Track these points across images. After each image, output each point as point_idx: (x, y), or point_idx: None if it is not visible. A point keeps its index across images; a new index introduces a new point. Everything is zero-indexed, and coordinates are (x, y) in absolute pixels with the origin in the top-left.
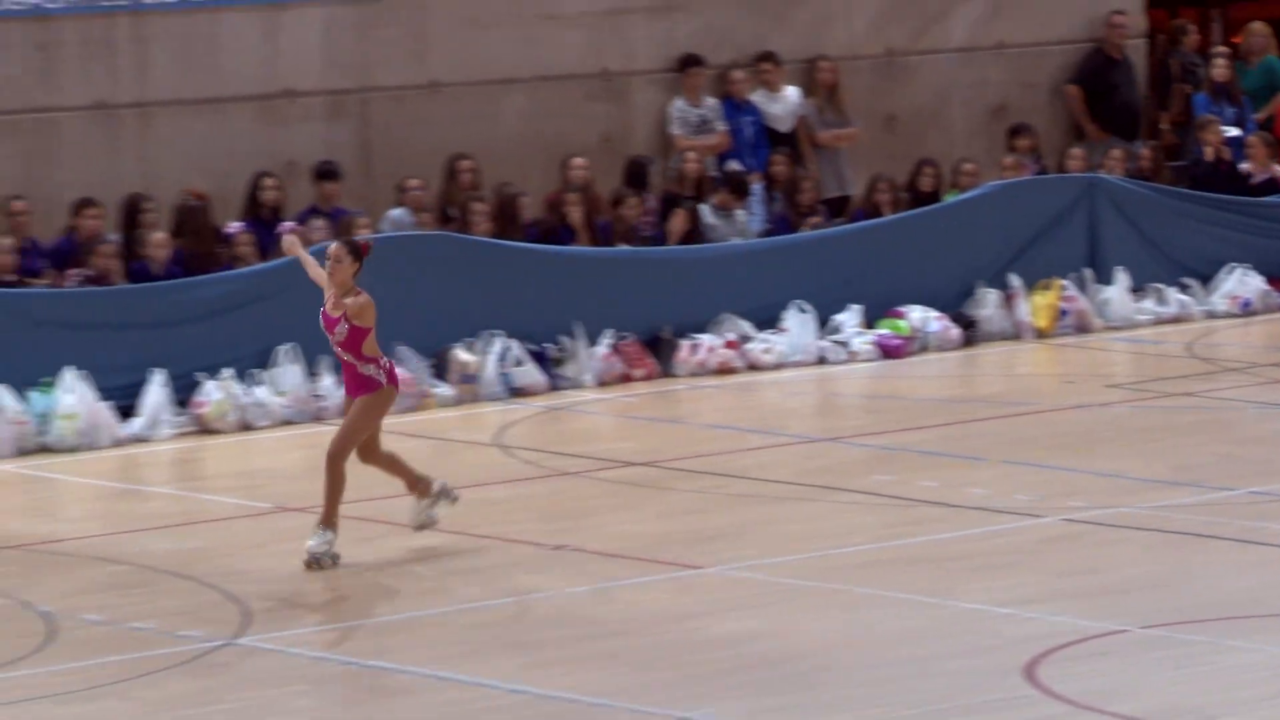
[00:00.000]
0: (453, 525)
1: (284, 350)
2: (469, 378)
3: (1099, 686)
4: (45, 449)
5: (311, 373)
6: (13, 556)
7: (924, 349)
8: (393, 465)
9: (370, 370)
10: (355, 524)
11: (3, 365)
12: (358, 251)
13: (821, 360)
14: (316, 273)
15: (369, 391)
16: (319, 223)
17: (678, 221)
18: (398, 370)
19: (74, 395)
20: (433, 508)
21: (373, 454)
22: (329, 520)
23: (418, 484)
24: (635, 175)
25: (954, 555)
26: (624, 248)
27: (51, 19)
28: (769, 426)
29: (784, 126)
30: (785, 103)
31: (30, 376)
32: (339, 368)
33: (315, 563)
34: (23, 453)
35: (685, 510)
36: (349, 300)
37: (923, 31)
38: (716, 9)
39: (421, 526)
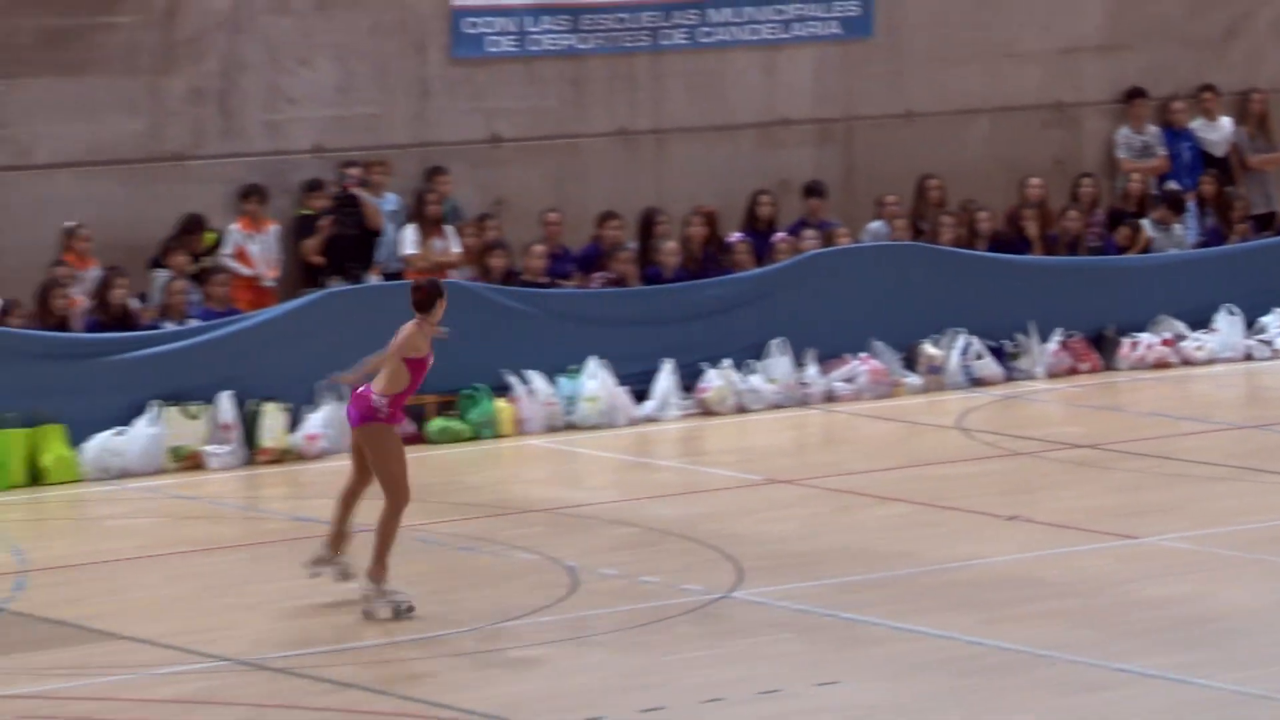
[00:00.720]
0: (920, 497)
1: (775, 343)
2: (935, 369)
3: None
4: (571, 427)
5: (799, 363)
6: (542, 519)
7: None
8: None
9: None
10: (834, 495)
11: (536, 354)
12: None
13: (1248, 357)
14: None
15: None
16: (809, 233)
17: (1140, 235)
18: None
19: (596, 381)
20: (324, 564)
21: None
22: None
23: (339, 542)
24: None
25: None
26: (1075, 257)
27: (582, 58)
28: (1200, 415)
29: (1218, 151)
30: (1220, 130)
31: (559, 364)
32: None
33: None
34: (552, 430)
35: (1124, 487)
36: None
37: None
38: (1160, 47)
39: (316, 563)
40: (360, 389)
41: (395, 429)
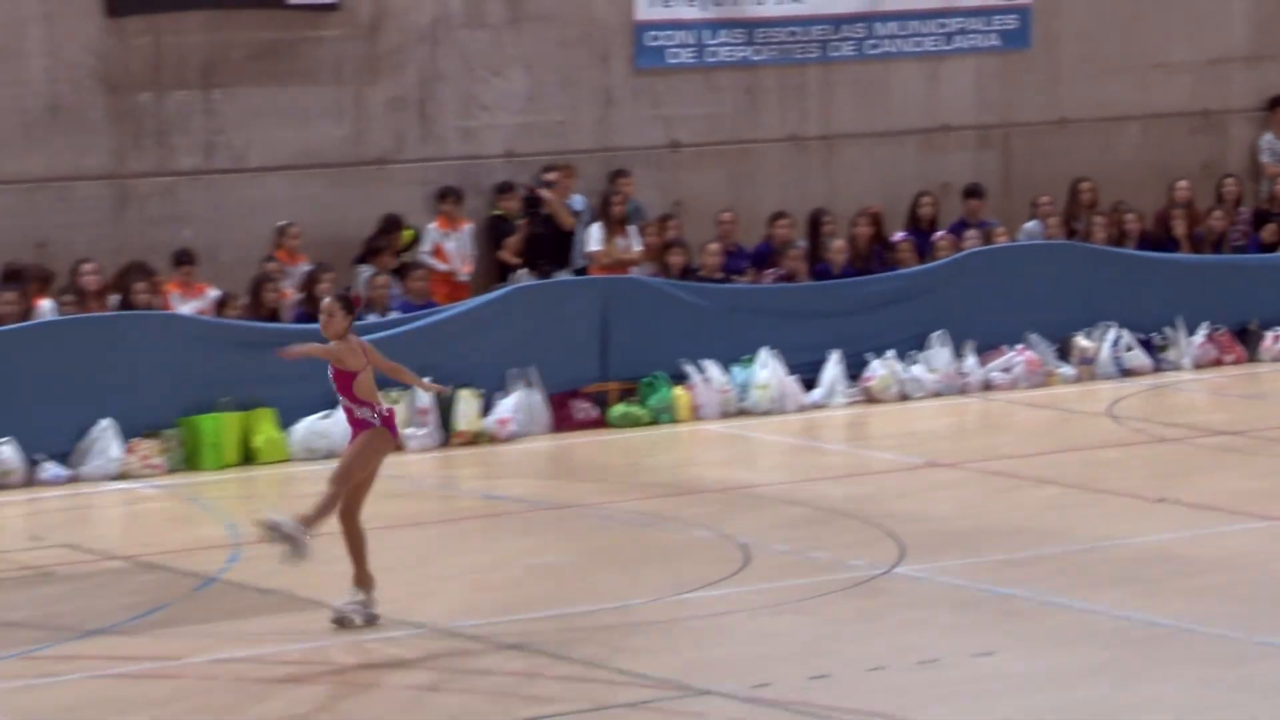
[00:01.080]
0: (1072, 480)
1: (936, 335)
2: (1087, 360)
3: None
4: (743, 412)
5: (959, 354)
6: (717, 498)
7: None
8: (355, 544)
9: (365, 414)
10: (991, 477)
11: (712, 345)
12: (349, 305)
13: None
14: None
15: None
16: (969, 233)
17: None
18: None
19: (767, 370)
20: (358, 607)
21: (351, 516)
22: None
23: (364, 579)
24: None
25: None
26: (1220, 255)
27: (756, 68)
28: None
29: None
30: None
31: (734, 354)
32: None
33: (340, 622)
34: (726, 415)
35: (1269, 471)
36: (331, 346)
37: None
38: None
39: (340, 618)
40: (387, 413)
41: None
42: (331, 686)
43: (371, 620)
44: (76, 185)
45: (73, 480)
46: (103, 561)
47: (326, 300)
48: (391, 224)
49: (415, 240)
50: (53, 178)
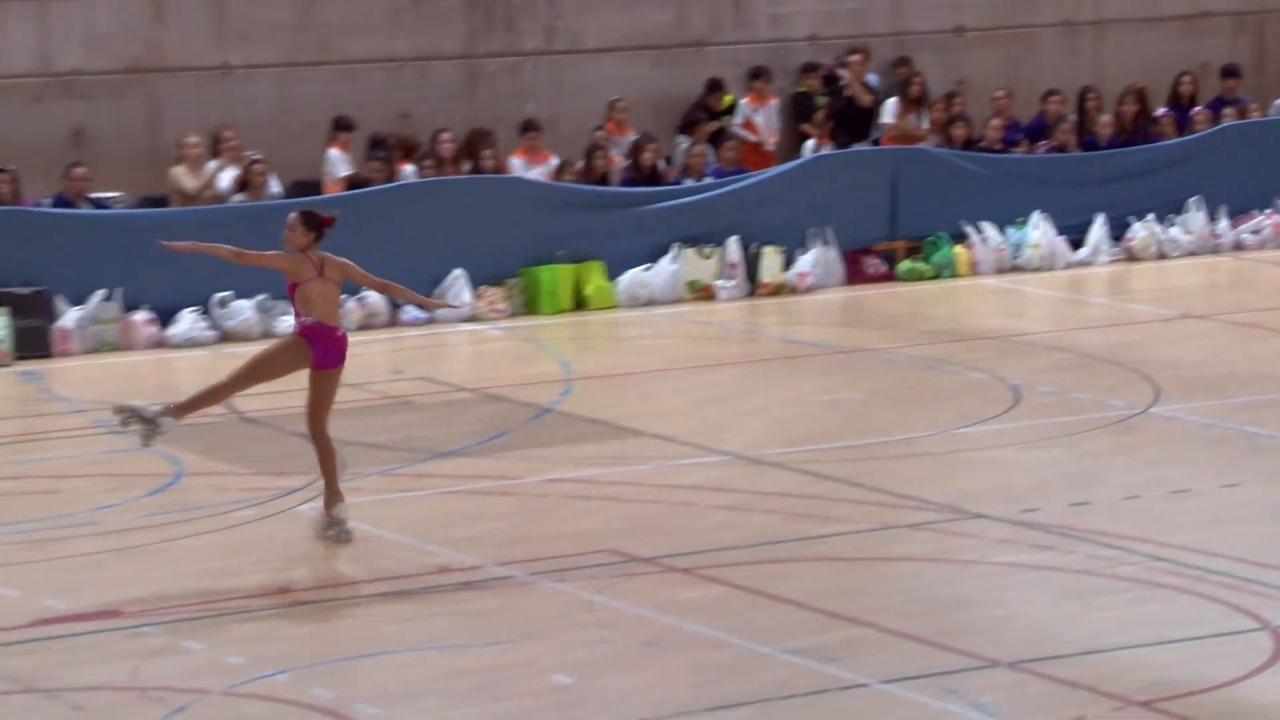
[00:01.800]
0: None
1: (1193, 200)
2: None
3: None
4: (1016, 269)
5: (1213, 217)
6: (991, 345)
7: None
8: (325, 457)
9: (301, 321)
10: (1239, 328)
11: (990, 208)
12: (313, 223)
13: None
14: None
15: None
16: (1226, 109)
17: None
18: None
19: (1039, 231)
20: (335, 527)
21: (317, 426)
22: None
23: (333, 496)
24: None
25: None
26: None
27: None
28: None
29: None
30: None
31: (1009, 217)
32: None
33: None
34: (1000, 271)
35: None
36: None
37: None
38: None
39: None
40: (339, 331)
41: None
42: (650, 505)
43: (344, 538)
44: (434, 64)
45: (429, 322)
46: (454, 393)
47: (291, 214)
48: (715, 86)
49: (733, 105)
50: (414, 58)
